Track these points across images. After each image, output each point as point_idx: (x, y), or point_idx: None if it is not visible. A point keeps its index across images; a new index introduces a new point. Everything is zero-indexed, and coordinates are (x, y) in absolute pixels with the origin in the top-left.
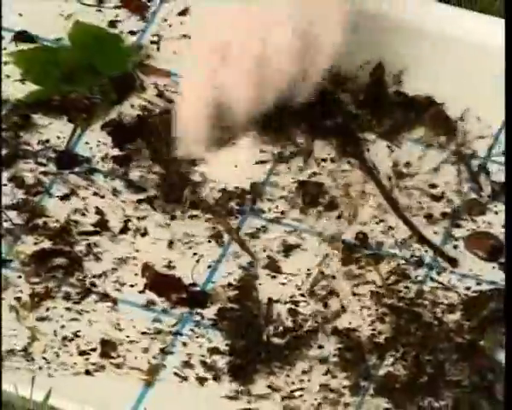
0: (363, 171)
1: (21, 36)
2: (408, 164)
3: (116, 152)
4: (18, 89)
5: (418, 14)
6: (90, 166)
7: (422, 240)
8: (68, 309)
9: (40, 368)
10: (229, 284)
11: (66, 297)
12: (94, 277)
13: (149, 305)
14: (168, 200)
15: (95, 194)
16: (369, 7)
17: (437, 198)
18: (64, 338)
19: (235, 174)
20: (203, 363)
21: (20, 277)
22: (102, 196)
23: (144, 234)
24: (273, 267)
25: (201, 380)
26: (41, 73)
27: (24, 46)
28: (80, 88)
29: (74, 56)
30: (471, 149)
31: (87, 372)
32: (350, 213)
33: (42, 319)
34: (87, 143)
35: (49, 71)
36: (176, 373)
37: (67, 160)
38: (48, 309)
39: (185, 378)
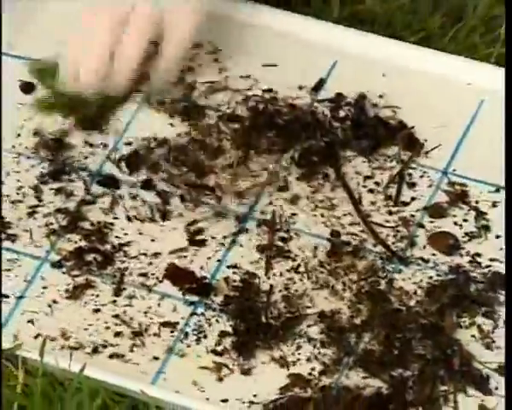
0: (339, 182)
1: (26, 86)
2: (378, 177)
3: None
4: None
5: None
6: (118, 181)
7: (382, 244)
8: (105, 297)
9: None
10: (235, 275)
11: (103, 287)
12: (123, 269)
13: (167, 292)
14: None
15: (124, 205)
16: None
17: (405, 204)
18: (105, 322)
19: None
20: (214, 340)
21: (64, 272)
22: (133, 208)
23: (167, 235)
24: (268, 263)
25: (213, 354)
26: (61, 116)
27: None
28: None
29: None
30: (420, 164)
31: (119, 351)
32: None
33: (89, 308)
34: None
35: (65, 115)
36: (188, 348)
37: (102, 178)
38: (89, 297)
39: (200, 354)
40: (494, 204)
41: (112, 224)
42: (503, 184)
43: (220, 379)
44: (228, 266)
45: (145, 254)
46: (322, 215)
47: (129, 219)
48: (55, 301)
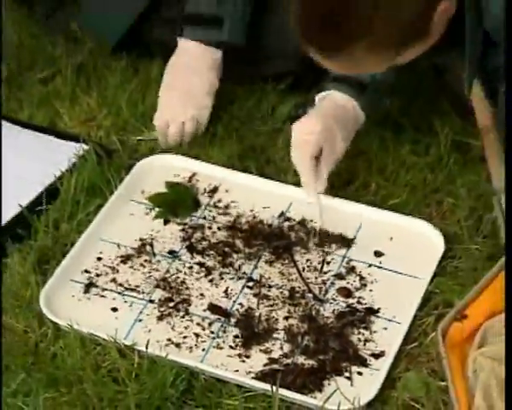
0: (292, 263)
1: None
2: (313, 260)
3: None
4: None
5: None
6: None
7: (312, 292)
8: (178, 319)
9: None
10: (242, 308)
11: (176, 314)
12: (186, 305)
13: (207, 316)
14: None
15: (186, 271)
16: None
17: (325, 273)
18: (178, 331)
19: None
20: (231, 340)
21: (155, 307)
22: (189, 268)
23: (207, 283)
24: (258, 303)
25: (230, 348)
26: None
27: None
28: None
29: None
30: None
31: (179, 345)
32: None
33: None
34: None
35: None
36: (218, 344)
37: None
38: (169, 320)
39: (222, 347)
40: (368, 273)
41: (182, 281)
42: (374, 263)
43: (234, 360)
44: (238, 304)
45: (196, 297)
46: (284, 278)
47: (196, 276)
48: (152, 322)
